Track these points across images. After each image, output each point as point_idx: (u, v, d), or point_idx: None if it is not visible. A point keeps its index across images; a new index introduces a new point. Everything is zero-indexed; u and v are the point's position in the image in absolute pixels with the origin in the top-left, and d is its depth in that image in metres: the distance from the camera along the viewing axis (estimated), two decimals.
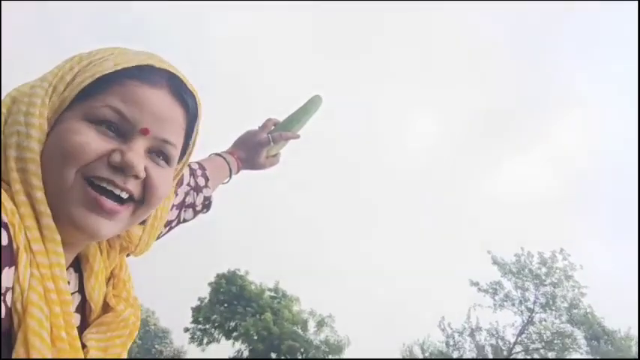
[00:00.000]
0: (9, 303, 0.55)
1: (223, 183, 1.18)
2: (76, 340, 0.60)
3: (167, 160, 0.70)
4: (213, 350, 28.71)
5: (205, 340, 28.69)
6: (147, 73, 0.67)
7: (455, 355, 22.63)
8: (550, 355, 21.23)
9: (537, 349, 21.65)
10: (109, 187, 0.63)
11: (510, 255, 22.65)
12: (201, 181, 1.06)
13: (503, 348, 22.02)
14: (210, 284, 29.10)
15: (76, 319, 0.66)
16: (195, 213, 1.06)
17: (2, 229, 0.54)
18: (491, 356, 21.83)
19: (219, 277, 29.09)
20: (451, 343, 22.89)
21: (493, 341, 22.33)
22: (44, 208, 0.60)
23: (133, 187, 0.65)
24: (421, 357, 23.60)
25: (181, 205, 0.99)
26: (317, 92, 1.30)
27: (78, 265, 0.71)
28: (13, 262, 0.55)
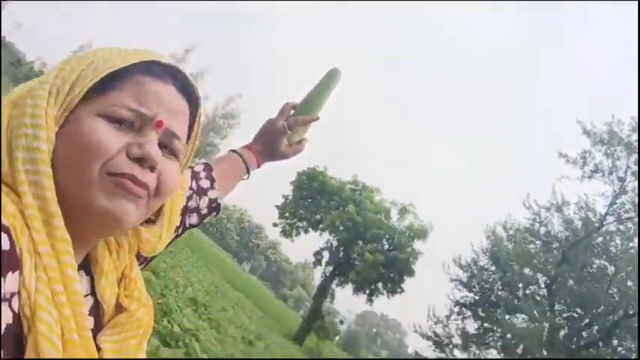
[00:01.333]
0: (16, 308, 0.55)
1: (243, 179, 1.15)
2: (89, 341, 0.61)
3: (175, 153, 0.72)
4: (302, 241, 30.61)
5: (294, 233, 30.45)
6: (155, 69, 0.69)
7: (542, 232, 22.43)
8: None
9: (631, 218, 20.88)
10: (129, 183, 0.65)
11: (600, 124, 21.26)
12: (205, 184, 1.03)
13: (594, 219, 21.45)
14: (292, 182, 30.24)
15: (90, 321, 0.66)
16: (202, 217, 1.04)
17: (3, 233, 0.55)
18: (581, 228, 21.42)
19: (300, 174, 30.06)
20: (537, 220, 22.59)
21: (582, 214, 21.76)
22: (55, 209, 0.60)
23: (149, 179, 0.66)
24: (505, 236, 23.60)
25: (185, 211, 0.98)
26: None
27: (88, 267, 0.72)
28: (17, 266, 0.56)
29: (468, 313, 24.15)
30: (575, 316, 20.85)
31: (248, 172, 1.14)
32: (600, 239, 21.32)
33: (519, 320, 22.28)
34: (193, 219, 1.02)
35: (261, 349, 12.37)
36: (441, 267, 24.11)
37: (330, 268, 28.67)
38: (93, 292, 0.71)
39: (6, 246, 0.54)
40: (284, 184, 30.82)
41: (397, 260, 26.06)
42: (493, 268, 23.71)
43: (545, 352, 19.84)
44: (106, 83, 0.67)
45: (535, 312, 20.49)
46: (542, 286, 21.96)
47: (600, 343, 19.38)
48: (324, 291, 28.36)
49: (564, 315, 21.14)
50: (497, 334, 22.71)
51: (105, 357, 0.65)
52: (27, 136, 0.63)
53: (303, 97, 1.16)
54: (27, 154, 0.62)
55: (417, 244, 27.43)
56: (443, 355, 23.42)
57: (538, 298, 21.63)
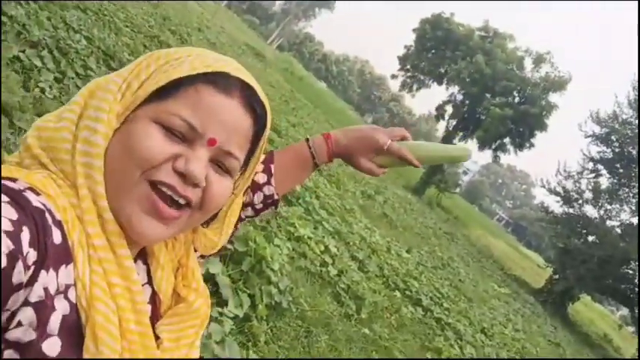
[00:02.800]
0: (73, 299, 0.58)
1: (318, 167, 1.07)
2: (147, 327, 0.64)
3: (228, 171, 0.70)
4: (423, 95, 29.78)
5: (415, 87, 29.53)
6: (222, 81, 0.67)
7: None
8: None
9: None
10: (169, 192, 0.64)
11: None
12: (262, 178, 1.01)
13: None
14: (414, 31, 28.55)
15: (148, 309, 0.68)
16: (257, 211, 1.02)
17: (55, 228, 0.57)
18: None
19: (423, 22, 28.18)
20: None
21: None
22: (105, 203, 0.63)
23: (192, 194, 0.66)
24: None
25: None
26: None
27: (145, 258, 0.73)
28: (70, 259, 0.58)
29: (603, 169, 22.80)
30: None
31: (315, 164, 1.06)
32: None
33: None
34: (249, 212, 1.01)
35: (380, 202, 12.91)
36: (576, 120, 22.43)
37: (454, 122, 27.91)
38: (150, 282, 0.73)
39: (58, 240, 0.56)
40: (407, 32, 29.27)
41: (528, 114, 24.49)
42: (637, 122, 21.58)
43: None
44: (170, 89, 0.65)
45: None
46: None
47: None
48: None
49: None
50: (634, 191, 21.41)
51: (163, 345, 0.68)
52: (88, 128, 0.64)
53: (424, 141, 1.12)
54: (85, 147, 0.63)
55: (553, 97, 25.36)
56: (571, 211, 22.81)
57: None
